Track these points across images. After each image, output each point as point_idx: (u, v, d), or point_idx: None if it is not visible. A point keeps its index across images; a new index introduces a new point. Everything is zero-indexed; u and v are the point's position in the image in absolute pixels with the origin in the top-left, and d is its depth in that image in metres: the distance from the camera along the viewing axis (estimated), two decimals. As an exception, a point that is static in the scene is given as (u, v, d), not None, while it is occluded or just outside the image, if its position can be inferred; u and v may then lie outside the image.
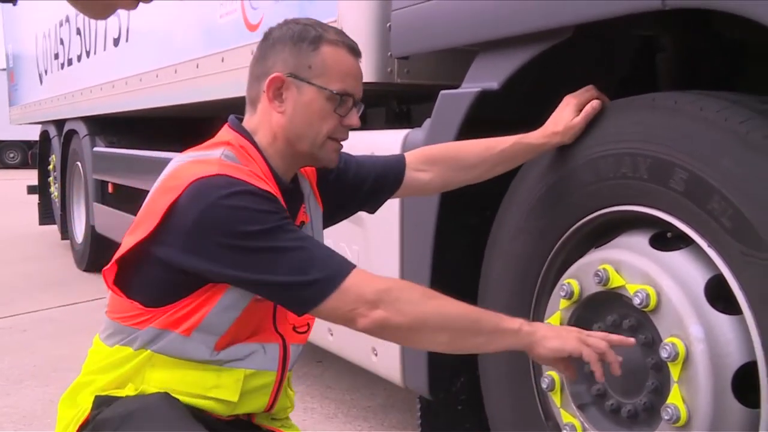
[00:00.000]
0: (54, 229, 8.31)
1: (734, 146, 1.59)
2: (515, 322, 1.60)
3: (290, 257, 1.51)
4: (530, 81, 2.14)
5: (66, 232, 7.75)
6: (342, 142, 1.72)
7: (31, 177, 8.97)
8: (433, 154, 2.02)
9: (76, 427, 1.60)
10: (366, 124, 2.89)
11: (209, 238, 1.50)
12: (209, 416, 1.63)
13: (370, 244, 2.45)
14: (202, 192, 1.50)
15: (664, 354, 1.70)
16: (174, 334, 1.58)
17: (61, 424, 1.66)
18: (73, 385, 1.69)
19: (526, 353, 1.64)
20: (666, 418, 1.70)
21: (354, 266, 1.54)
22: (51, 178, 8.37)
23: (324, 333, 2.95)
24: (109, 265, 1.63)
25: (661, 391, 1.76)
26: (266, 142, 1.67)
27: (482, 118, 2.18)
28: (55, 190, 8.16)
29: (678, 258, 1.76)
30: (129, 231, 1.63)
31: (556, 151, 2.00)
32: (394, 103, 3.36)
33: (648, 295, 1.74)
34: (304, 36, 1.64)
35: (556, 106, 2.01)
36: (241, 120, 1.74)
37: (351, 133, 1.74)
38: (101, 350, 1.66)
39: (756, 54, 2.04)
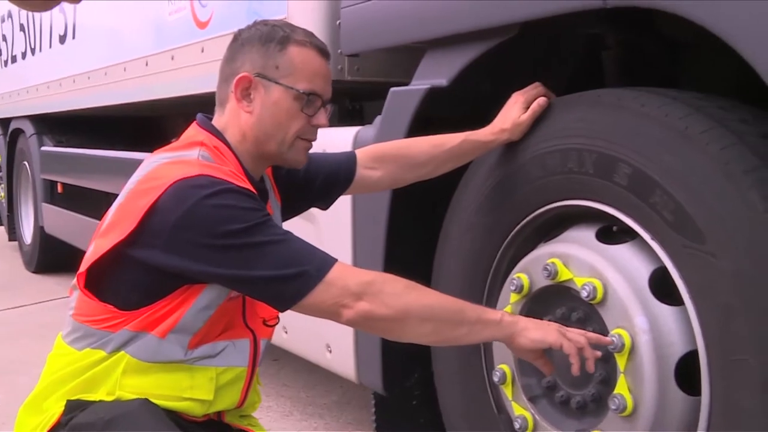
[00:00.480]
0: (1, 230, 8.17)
1: (674, 141, 1.64)
2: (497, 314, 1.65)
3: (274, 252, 1.53)
4: (479, 78, 2.17)
5: (14, 234, 7.61)
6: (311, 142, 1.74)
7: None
8: (382, 152, 2.04)
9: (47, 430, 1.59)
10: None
11: (193, 238, 1.51)
12: (182, 419, 1.64)
13: (323, 240, 2.45)
14: (185, 192, 1.50)
15: (610, 348, 1.74)
16: (149, 336, 1.58)
17: None
18: (35, 392, 1.67)
19: (497, 346, 1.68)
20: (613, 408, 1.74)
21: (336, 260, 1.56)
22: (-3, 178, 8.23)
23: (278, 331, 2.94)
24: (81, 269, 1.62)
25: (608, 381, 1.80)
26: (236, 141, 1.69)
27: (432, 115, 2.20)
28: (1, 191, 8.02)
29: (623, 251, 1.80)
30: (100, 234, 1.63)
31: (505, 147, 2.03)
32: (347, 100, 3.37)
33: (595, 288, 1.78)
34: (272, 36, 1.65)
35: (504, 103, 2.04)
36: (210, 119, 1.74)
37: None
38: (67, 353, 1.64)
39: (695, 52, 2.09)
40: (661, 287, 1.72)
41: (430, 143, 2.04)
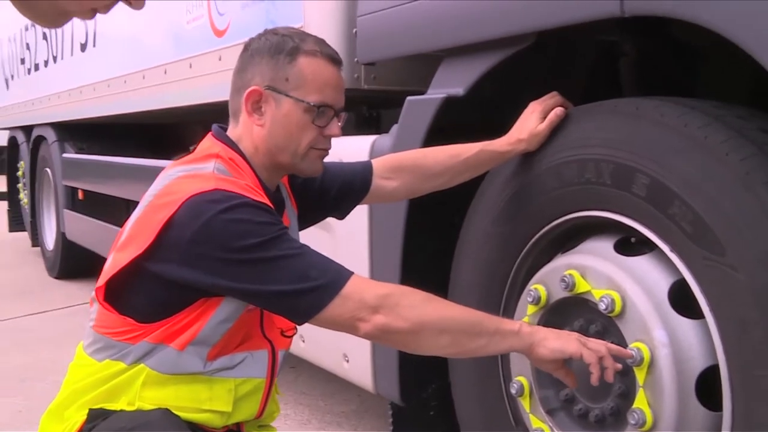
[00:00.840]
0: (24, 236, 8.23)
1: (693, 152, 1.61)
2: (515, 324, 1.64)
3: (290, 266, 1.52)
4: (495, 87, 2.16)
5: (36, 239, 7.68)
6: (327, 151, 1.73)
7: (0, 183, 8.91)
8: (399, 162, 2.03)
9: None
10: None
11: (208, 252, 1.50)
12: (202, 430, 1.64)
13: (340, 250, 2.45)
14: (200, 207, 1.50)
15: (629, 360, 1.71)
16: (169, 348, 1.58)
17: None
18: (57, 400, 1.69)
19: (518, 356, 1.67)
20: (632, 422, 1.72)
21: (352, 273, 1.55)
22: (20, 185, 8.29)
23: (296, 340, 2.94)
24: (100, 283, 1.63)
25: (627, 395, 1.77)
26: (250, 153, 1.68)
27: (449, 124, 2.19)
28: (24, 197, 8.08)
29: (642, 263, 1.77)
30: (118, 247, 1.63)
31: (521, 157, 2.02)
32: (364, 108, 3.37)
33: (613, 300, 1.75)
34: (281, 47, 1.64)
35: (520, 112, 2.02)
36: (225, 129, 1.74)
37: None
38: (89, 364, 1.65)
39: (712, 59, 2.07)
40: (681, 300, 1.69)
41: (447, 153, 2.02)
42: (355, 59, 2.65)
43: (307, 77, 1.64)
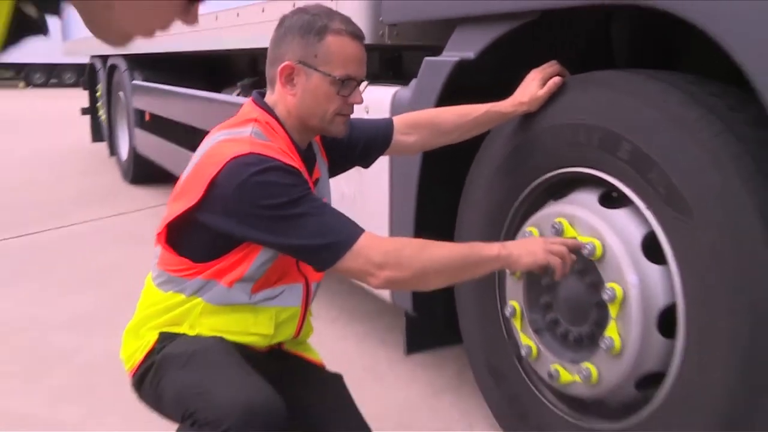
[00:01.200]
0: (104, 146, 8.26)
1: (671, 126, 1.59)
2: (494, 249, 1.64)
3: (311, 223, 1.52)
4: (503, 52, 2.10)
5: (113, 150, 7.72)
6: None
7: (85, 97, 8.88)
8: (416, 120, 2.00)
9: (143, 354, 1.66)
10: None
11: (244, 208, 1.51)
12: (251, 350, 1.69)
13: (365, 189, 2.46)
14: (238, 169, 1.50)
15: (605, 296, 1.73)
16: (219, 285, 1.62)
17: (127, 352, 1.72)
18: (134, 320, 1.73)
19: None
20: (603, 347, 1.75)
21: (363, 231, 1.55)
22: (99, 104, 8.29)
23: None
24: (160, 228, 1.65)
25: (601, 323, 1.79)
26: (283, 117, 1.66)
27: (461, 83, 2.15)
28: (102, 114, 8.09)
29: (621, 215, 1.76)
30: (173, 198, 1.64)
31: (522, 118, 1.98)
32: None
33: (595, 247, 1.75)
34: (311, 27, 1.60)
35: (523, 77, 1.99)
36: (263, 95, 1.72)
37: None
38: (156, 294, 1.69)
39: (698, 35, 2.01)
40: (650, 248, 1.69)
41: (457, 113, 1.99)
42: (380, 18, 2.59)
43: (334, 54, 1.60)
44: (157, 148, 5.80)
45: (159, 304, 1.68)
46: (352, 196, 2.61)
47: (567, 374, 1.88)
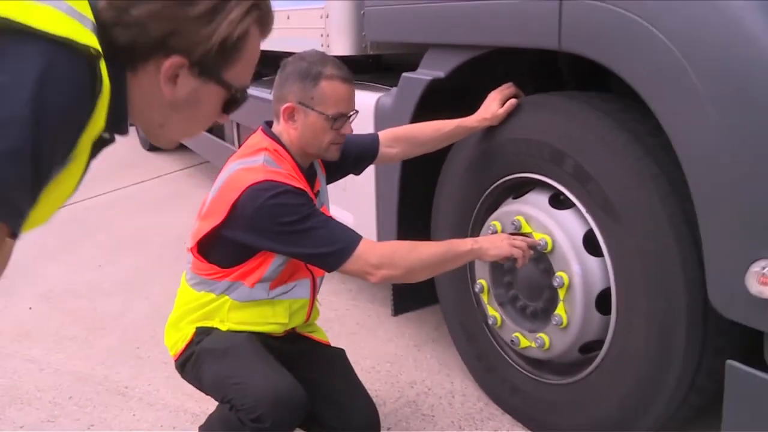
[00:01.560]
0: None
1: (603, 149, 1.69)
2: (467, 244, 1.75)
3: (318, 235, 1.62)
4: (468, 71, 2.16)
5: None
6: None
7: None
8: (397, 135, 2.08)
9: (184, 344, 1.79)
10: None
11: (263, 225, 1.61)
12: (270, 336, 1.82)
13: (356, 189, 2.55)
14: (255, 194, 1.59)
15: (555, 283, 1.86)
16: (243, 285, 1.74)
17: (170, 341, 1.85)
18: (174, 315, 1.86)
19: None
20: (554, 323, 1.89)
21: (361, 238, 1.65)
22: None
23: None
24: (192, 243, 1.76)
25: (552, 301, 1.93)
26: (288, 145, 1.76)
27: (433, 96, 2.22)
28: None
29: (567, 216, 1.87)
30: (201, 217, 1.74)
31: (486, 130, 2.07)
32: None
33: (546, 243, 1.88)
34: (307, 73, 1.69)
35: (485, 95, 2.06)
36: (270, 124, 1.81)
37: None
38: (190, 293, 1.81)
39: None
40: (590, 244, 1.82)
41: (432, 128, 2.08)
42: (363, 33, 2.63)
43: (327, 96, 1.69)
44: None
45: (194, 302, 1.80)
46: (349, 193, 2.70)
47: (525, 341, 2.03)
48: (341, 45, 2.72)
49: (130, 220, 4.57)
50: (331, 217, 1.72)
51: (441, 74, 2.18)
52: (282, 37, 3.16)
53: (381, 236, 2.58)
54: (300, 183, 1.69)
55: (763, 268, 1.28)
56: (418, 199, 2.39)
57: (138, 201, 5.13)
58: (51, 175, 0.82)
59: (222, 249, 1.73)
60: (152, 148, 6.84)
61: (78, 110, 0.81)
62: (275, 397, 1.58)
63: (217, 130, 4.84)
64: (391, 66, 3.21)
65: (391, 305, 2.69)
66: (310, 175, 1.83)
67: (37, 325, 3.03)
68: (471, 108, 2.08)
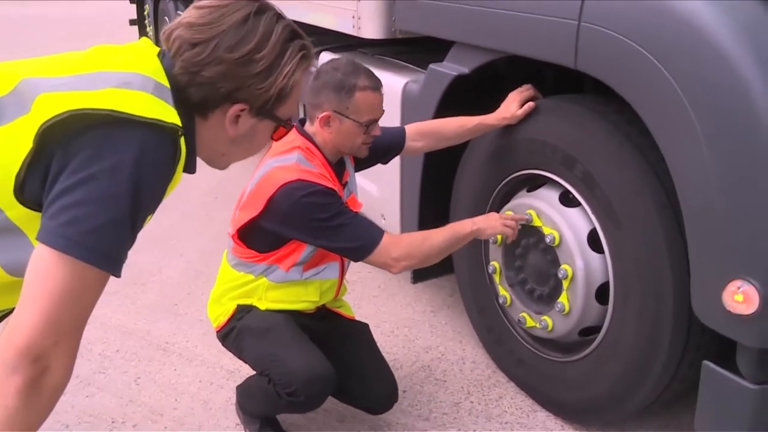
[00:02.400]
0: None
1: (610, 161, 1.87)
2: (467, 226, 1.97)
3: (345, 231, 1.84)
4: (492, 69, 2.32)
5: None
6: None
7: (133, 9, 8.75)
8: (423, 131, 2.25)
9: (226, 318, 2.03)
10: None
11: (297, 221, 1.83)
12: (302, 314, 2.05)
13: (379, 179, 2.75)
14: (290, 192, 1.80)
15: (560, 275, 2.06)
16: (279, 269, 1.96)
17: (213, 314, 2.09)
18: (215, 291, 2.10)
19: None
20: (557, 309, 2.11)
21: (383, 234, 1.87)
22: (146, 21, 8.23)
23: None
24: (232, 231, 1.98)
25: (557, 287, 2.13)
26: (320, 144, 1.94)
27: (458, 88, 2.37)
28: (150, 31, 8.07)
29: (575, 214, 2.05)
30: (240, 207, 1.95)
31: (505, 127, 2.23)
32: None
33: (554, 237, 2.07)
34: (342, 85, 1.86)
35: (506, 94, 2.22)
36: (303, 123, 1.99)
37: None
38: (231, 272, 2.04)
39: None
40: (593, 241, 2.01)
41: (456, 124, 2.24)
42: (393, 18, 2.76)
43: (361, 106, 1.88)
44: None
45: (234, 281, 2.04)
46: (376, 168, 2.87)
47: (531, 321, 2.26)
48: (371, 28, 2.85)
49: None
50: (358, 214, 1.93)
51: (465, 70, 2.33)
52: (315, 12, 3.30)
53: (404, 210, 2.77)
54: (330, 181, 1.89)
55: (738, 287, 1.49)
56: (439, 179, 2.56)
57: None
58: (142, 226, 1.04)
59: (259, 236, 1.95)
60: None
61: (164, 179, 1.03)
62: (309, 376, 1.84)
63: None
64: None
65: (411, 274, 2.92)
66: (339, 169, 2.03)
67: (83, 279, 3.30)
68: (495, 97, 2.23)
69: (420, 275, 2.92)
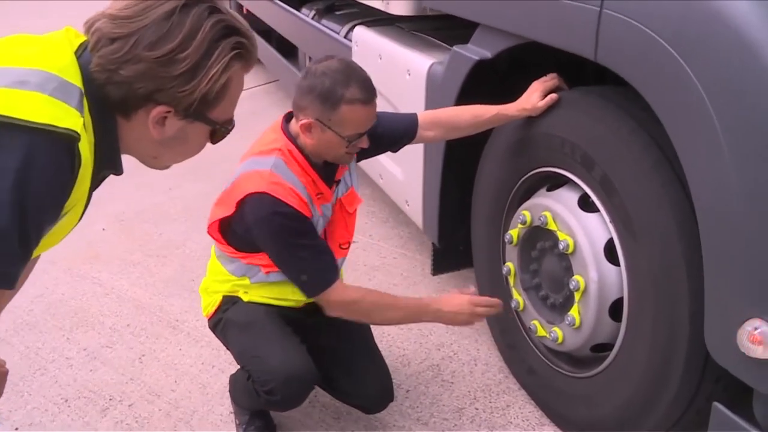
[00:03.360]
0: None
1: (632, 167, 1.68)
2: (430, 311, 1.90)
3: (299, 263, 1.77)
4: (515, 54, 2.13)
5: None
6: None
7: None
8: (436, 120, 2.09)
9: (214, 309, 1.99)
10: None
11: (258, 234, 1.76)
12: (289, 308, 1.97)
13: (404, 161, 2.61)
14: (254, 205, 1.73)
15: (571, 285, 1.90)
16: (260, 271, 1.88)
17: (203, 304, 2.05)
18: (204, 281, 2.06)
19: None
20: (567, 322, 1.95)
21: (336, 281, 1.79)
22: None
23: (375, 176, 3.18)
24: (209, 223, 1.91)
25: (570, 299, 1.97)
26: (302, 146, 1.81)
27: (480, 71, 2.21)
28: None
29: (593, 220, 1.87)
30: (216, 203, 1.88)
31: (525, 119, 2.06)
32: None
33: (568, 245, 1.90)
34: (329, 95, 1.70)
35: (528, 83, 2.04)
36: (290, 118, 1.85)
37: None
38: (217, 265, 1.99)
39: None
40: (610, 251, 1.83)
41: (471, 114, 2.08)
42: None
43: (345, 120, 1.72)
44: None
45: (220, 276, 1.98)
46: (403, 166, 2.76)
47: (542, 330, 2.11)
48: (399, 4, 2.70)
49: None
50: (321, 249, 1.81)
51: (488, 55, 2.15)
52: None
53: (426, 198, 2.65)
54: (298, 201, 1.74)
55: (756, 328, 1.29)
56: (461, 167, 2.43)
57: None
58: (41, 235, 0.96)
59: (233, 235, 1.87)
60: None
61: (57, 187, 0.93)
62: (287, 375, 1.75)
63: (291, 53, 4.92)
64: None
65: (431, 265, 2.80)
66: (325, 171, 1.87)
67: (107, 248, 3.34)
68: (524, 85, 2.06)
69: (440, 267, 2.80)
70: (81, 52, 1.01)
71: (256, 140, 1.90)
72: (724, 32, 1.30)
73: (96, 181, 1.08)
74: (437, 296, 1.96)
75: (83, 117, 0.96)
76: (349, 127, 1.73)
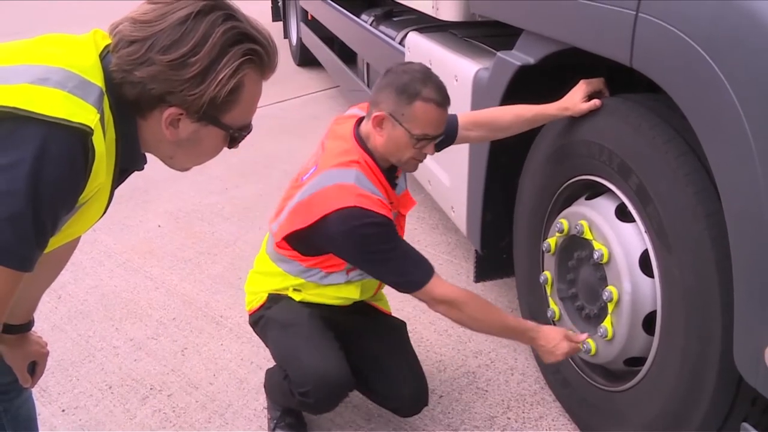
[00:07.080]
0: (280, 26, 8.48)
1: (667, 178, 1.64)
2: (529, 333, 1.88)
3: (392, 266, 1.77)
4: (559, 59, 2.11)
5: (286, 33, 7.97)
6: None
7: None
8: (477, 120, 2.10)
9: (258, 305, 2.03)
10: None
11: (346, 247, 1.77)
12: (334, 307, 2.00)
13: (451, 167, 2.62)
14: (344, 219, 1.71)
15: (605, 296, 1.87)
16: (320, 271, 1.91)
17: (247, 299, 2.10)
18: (251, 276, 2.11)
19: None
20: (599, 334, 1.92)
21: (432, 275, 1.77)
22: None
23: (424, 182, 3.20)
24: (278, 238, 1.94)
25: (604, 309, 1.93)
26: (372, 149, 1.84)
27: (524, 76, 2.20)
28: (279, 1, 8.26)
29: (629, 230, 1.84)
30: (291, 211, 1.88)
31: (567, 122, 2.04)
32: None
33: (603, 254, 1.87)
34: (405, 89, 1.74)
35: (572, 85, 2.02)
36: (361, 121, 1.89)
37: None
38: (269, 264, 2.02)
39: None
40: (646, 262, 1.79)
41: (512, 114, 2.08)
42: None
43: (418, 117, 1.74)
44: (316, 46, 6.02)
45: (271, 273, 2.03)
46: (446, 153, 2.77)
47: (576, 341, 2.06)
48: (448, 10, 2.72)
49: (263, 144, 4.75)
50: (408, 247, 1.81)
51: (531, 61, 2.15)
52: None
53: (470, 201, 2.65)
54: (386, 208, 1.76)
55: (782, 345, 1.24)
56: (505, 174, 2.44)
57: (275, 122, 5.30)
58: (57, 223, 1.02)
59: (305, 243, 1.89)
60: (302, 62, 7.13)
61: (70, 176, 0.99)
62: (322, 379, 1.80)
63: (351, 60, 5.00)
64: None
65: (474, 272, 2.79)
66: (389, 172, 1.91)
67: (161, 244, 3.48)
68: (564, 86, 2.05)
69: (483, 274, 2.79)
70: (105, 54, 1.08)
71: (325, 149, 1.90)
72: (756, 34, 1.26)
73: (117, 176, 1.14)
74: (539, 324, 1.94)
75: (101, 114, 1.02)
76: (420, 125, 1.75)
